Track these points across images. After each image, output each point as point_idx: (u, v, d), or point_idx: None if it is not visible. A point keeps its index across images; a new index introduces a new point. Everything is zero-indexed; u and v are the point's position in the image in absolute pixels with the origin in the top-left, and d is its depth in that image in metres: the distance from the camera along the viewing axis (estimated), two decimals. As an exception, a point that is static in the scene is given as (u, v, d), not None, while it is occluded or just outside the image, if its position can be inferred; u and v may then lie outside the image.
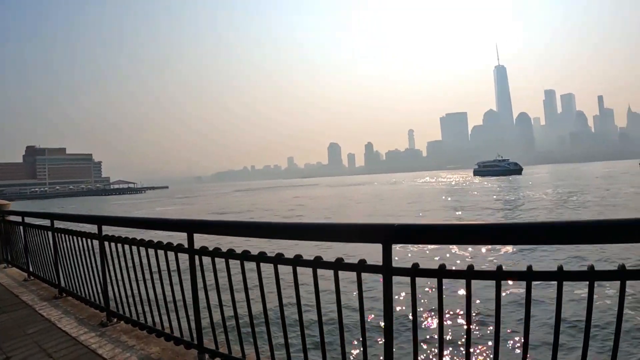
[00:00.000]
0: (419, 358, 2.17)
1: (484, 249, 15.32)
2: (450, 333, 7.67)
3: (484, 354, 6.95)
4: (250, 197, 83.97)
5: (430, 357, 6.94)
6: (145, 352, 3.66)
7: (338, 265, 2.28)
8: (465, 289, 1.93)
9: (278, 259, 2.57)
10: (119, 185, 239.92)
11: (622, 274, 1.59)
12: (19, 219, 7.05)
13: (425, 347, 7.23)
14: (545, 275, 1.75)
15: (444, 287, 2.02)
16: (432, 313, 8.49)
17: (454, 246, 15.03)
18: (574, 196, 40.11)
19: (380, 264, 2.12)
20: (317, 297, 2.40)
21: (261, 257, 2.66)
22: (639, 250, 11.99)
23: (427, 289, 8.65)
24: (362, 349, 2.23)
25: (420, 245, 14.74)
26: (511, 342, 7.21)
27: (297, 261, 2.46)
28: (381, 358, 2.23)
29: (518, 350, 6.98)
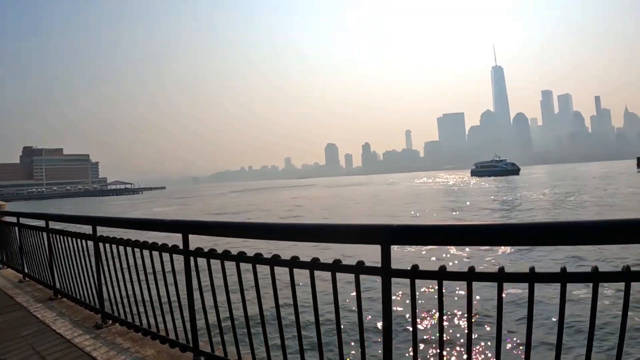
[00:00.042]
0: None
1: (481, 249, 15.30)
2: (449, 334, 7.64)
3: (484, 355, 6.91)
4: (248, 197, 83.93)
5: None
6: (141, 354, 3.62)
7: (336, 267, 2.24)
8: (465, 290, 1.89)
9: (274, 261, 2.52)
10: (116, 186, 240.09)
11: (627, 276, 1.55)
12: (14, 219, 7.01)
13: (425, 349, 7.20)
14: (548, 277, 1.72)
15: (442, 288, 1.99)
16: (431, 313, 8.46)
17: (451, 246, 15.02)
18: (572, 196, 40.23)
19: (379, 265, 2.08)
20: (314, 300, 2.37)
21: (257, 259, 2.62)
22: (637, 249, 12.00)
23: (424, 289, 8.62)
24: (360, 352, 2.19)
25: (416, 246, 14.71)
26: (510, 342, 7.19)
27: (294, 263, 2.42)
28: None
29: (515, 351, 6.97)
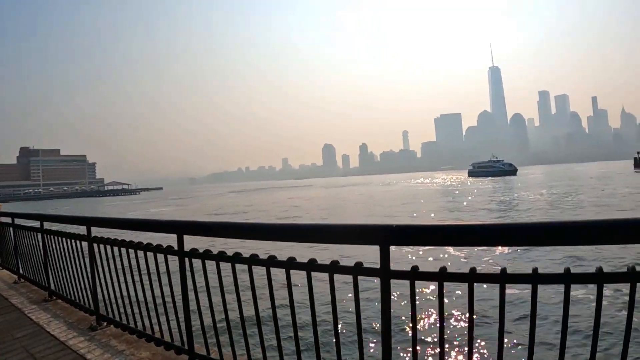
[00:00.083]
0: None
1: (479, 249, 15.29)
2: (449, 335, 7.61)
3: (484, 356, 6.88)
4: (245, 198, 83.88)
5: None
6: (135, 357, 3.58)
7: (333, 268, 2.20)
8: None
9: (271, 262, 2.48)
10: (113, 187, 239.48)
11: (632, 276, 1.52)
12: (9, 220, 6.96)
13: (425, 350, 7.16)
14: (552, 278, 1.69)
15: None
16: (429, 314, 8.44)
17: (449, 247, 15.01)
18: (569, 197, 40.36)
19: (378, 266, 2.04)
20: (311, 301, 2.33)
21: (253, 260, 2.58)
22: (635, 249, 12.03)
23: (420, 289, 8.58)
24: (358, 354, 2.15)
25: (413, 246, 14.69)
26: (508, 342, 7.16)
27: (290, 264, 2.37)
28: None
29: (514, 351, 6.95)
